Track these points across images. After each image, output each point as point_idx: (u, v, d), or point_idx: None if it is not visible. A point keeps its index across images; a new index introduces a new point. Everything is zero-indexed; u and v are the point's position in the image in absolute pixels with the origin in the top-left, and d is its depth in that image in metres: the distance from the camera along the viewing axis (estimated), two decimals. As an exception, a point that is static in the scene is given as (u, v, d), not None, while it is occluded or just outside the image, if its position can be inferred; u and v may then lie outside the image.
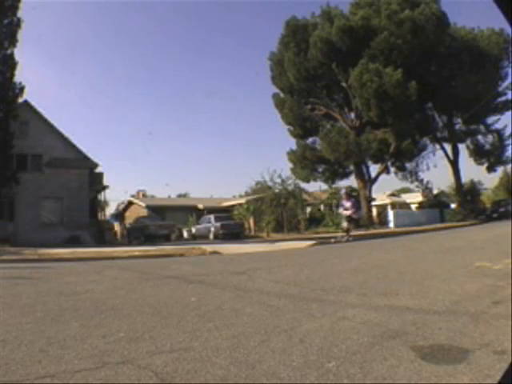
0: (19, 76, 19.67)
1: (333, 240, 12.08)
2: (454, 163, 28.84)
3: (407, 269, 4.52)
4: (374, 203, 29.05)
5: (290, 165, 29.02)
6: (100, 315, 2.49)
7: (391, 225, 24.45)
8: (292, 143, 29.53)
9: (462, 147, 29.38)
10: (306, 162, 28.17)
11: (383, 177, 28.51)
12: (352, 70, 23.67)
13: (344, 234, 11.57)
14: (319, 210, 29.71)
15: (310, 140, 29.20)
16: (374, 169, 28.68)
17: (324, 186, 30.67)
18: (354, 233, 13.06)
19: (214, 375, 1.39)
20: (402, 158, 27.75)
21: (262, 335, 1.88)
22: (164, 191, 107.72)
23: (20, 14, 19.78)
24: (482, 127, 29.22)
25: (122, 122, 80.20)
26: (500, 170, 31.70)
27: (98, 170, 24.37)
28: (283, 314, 2.32)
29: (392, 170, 28.86)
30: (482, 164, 29.25)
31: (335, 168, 28.67)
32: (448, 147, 29.11)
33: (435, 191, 31.54)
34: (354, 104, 25.23)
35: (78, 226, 20.76)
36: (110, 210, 36.17)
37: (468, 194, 29.10)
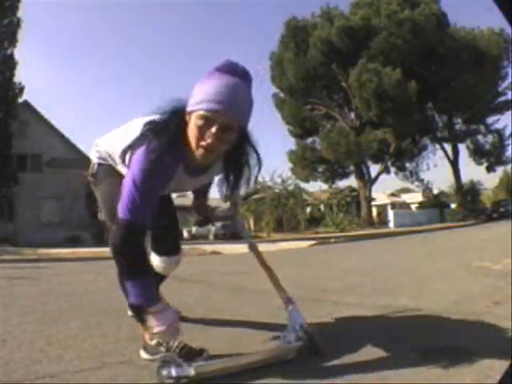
0: (19, 76, 19.70)
1: (332, 240, 12.10)
2: (454, 163, 28.84)
3: (407, 268, 4.53)
4: (373, 203, 29.04)
5: (290, 165, 29.03)
6: (100, 315, 2.49)
7: (391, 225, 24.44)
8: (292, 143, 29.55)
9: (461, 147, 29.39)
10: (305, 162, 28.20)
11: (383, 177, 28.57)
12: (352, 69, 23.66)
13: None
14: (319, 209, 29.70)
15: (309, 140, 29.24)
16: (374, 169, 28.70)
17: (324, 186, 30.69)
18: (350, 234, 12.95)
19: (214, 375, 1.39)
20: (402, 157, 27.79)
21: (262, 335, 1.88)
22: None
23: (20, 13, 19.81)
24: (482, 127, 29.22)
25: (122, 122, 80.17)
26: (500, 169, 31.68)
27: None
28: (283, 314, 2.32)
29: (392, 169, 28.90)
30: (481, 164, 29.25)
31: (335, 168, 28.71)
32: (448, 147, 29.12)
33: (435, 191, 31.52)
34: (354, 104, 25.23)
35: (78, 226, 20.73)
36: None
37: (468, 194, 29.11)
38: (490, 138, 28.93)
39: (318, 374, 1.37)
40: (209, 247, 10.06)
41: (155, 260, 1.88)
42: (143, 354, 1.58)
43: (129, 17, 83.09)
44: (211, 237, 21.97)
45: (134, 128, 1.47)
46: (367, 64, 22.84)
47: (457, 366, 1.36)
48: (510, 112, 27.04)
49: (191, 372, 1.27)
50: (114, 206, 1.45)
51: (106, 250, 10.80)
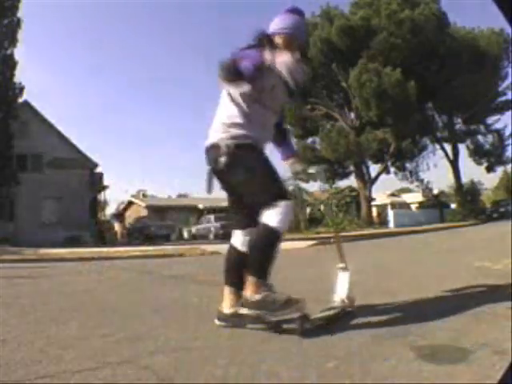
0: (19, 76, 19.69)
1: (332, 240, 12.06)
2: (454, 163, 28.82)
3: (407, 268, 4.53)
4: (373, 203, 29.03)
5: (290, 165, 28.95)
6: (100, 315, 2.49)
7: (391, 225, 24.43)
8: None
9: (462, 147, 29.39)
10: (305, 162, 28.13)
11: (383, 177, 28.55)
12: (352, 69, 23.64)
13: None
14: (319, 209, 29.68)
15: (310, 140, 29.21)
16: (373, 169, 28.69)
17: (324, 186, 30.65)
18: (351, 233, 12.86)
19: (214, 375, 1.39)
20: (402, 158, 27.76)
21: (262, 335, 1.88)
22: (164, 191, 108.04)
23: (20, 13, 19.81)
24: (482, 127, 29.19)
25: (122, 122, 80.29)
26: (500, 169, 31.68)
27: (98, 169, 24.38)
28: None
29: (392, 169, 28.88)
30: (481, 164, 29.23)
31: (335, 168, 28.68)
32: (448, 147, 29.10)
33: (435, 191, 31.51)
34: (354, 104, 25.21)
35: (78, 226, 20.73)
36: (110, 209, 36.16)
37: (468, 194, 29.10)
38: (490, 138, 28.93)
39: (318, 374, 1.37)
40: (209, 247, 10.06)
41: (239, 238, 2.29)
42: (242, 310, 1.83)
43: (129, 16, 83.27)
44: (211, 237, 21.98)
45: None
46: (367, 64, 22.82)
47: (456, 366, 1.36)
48: (510, 112, 27.04)
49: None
50: (269, 181, 1.90)
51: (106, 250, 10.80)
